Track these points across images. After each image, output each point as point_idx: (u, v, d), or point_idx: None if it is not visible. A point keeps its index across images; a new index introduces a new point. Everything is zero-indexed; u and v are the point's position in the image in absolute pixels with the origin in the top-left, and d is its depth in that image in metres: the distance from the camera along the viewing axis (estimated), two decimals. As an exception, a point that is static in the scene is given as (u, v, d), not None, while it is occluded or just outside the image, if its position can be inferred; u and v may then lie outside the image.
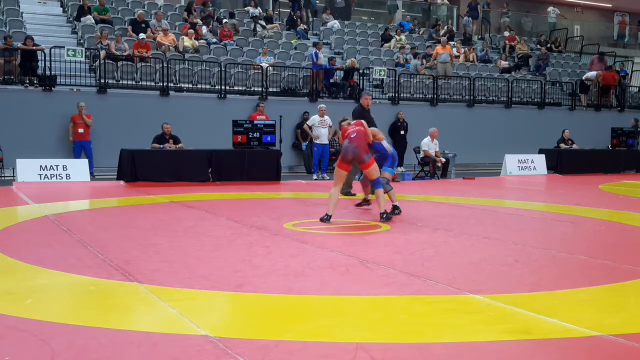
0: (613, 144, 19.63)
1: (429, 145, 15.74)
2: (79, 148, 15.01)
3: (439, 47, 21.64)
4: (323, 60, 18.90)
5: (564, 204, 11.04)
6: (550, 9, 28.71)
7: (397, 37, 22.97)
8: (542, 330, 3.99)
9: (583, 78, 23.14)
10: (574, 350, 3.71)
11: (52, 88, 15.48)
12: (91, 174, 14.66)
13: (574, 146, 19.02)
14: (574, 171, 17.86)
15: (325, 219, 8.28)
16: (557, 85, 23.48)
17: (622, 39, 30.36)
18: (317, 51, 18.71)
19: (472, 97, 20.83)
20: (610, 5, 31.90)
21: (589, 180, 16.07)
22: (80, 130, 14.94)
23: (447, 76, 20.79)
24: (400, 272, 5.50)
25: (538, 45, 25.74)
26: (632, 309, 4.60)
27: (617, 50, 28.37)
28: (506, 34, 26.03)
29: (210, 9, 20.99)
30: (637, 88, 25.13)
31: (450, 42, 23.73)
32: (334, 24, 23.13)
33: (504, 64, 23.50)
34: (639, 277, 5.47)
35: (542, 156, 18.15)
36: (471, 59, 23.30)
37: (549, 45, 26.07)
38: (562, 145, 18.89)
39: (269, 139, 14.53)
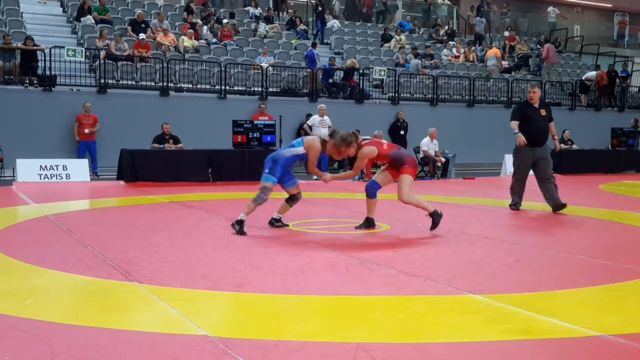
0: (613, 144, 19.63)
1: (429, 146, 15.74)
2: (84, 148, 15.04)
3: (490, 51, 22.23)
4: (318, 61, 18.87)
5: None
6: (550, 9, 28.72)
7: (397, 37, 22.99)
8: (542, 330, 3.99)
9: (583, 78, 23.15)
10: (574, 350, 3.71)
11: (52, 88, 15.50)
12: (95, 173, 14.68)
13: (574, 146, 19.01)
14: (574, 171, 17.84)
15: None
16: (557, 85, 23.48)
17: (622, 39, 30.34)
18: (315, 51, 18.68)
19: (472, 97, 20.83)
20: (610, 5, 31.90)
21: (589, 180, 16.06)
22: (86, 131, 14.98)
23: (492, 78, 21.43)
24: (400, 272, 5.50)
25: (538, 45, 25.73)
26: (632, 309, 4.60)
27: (617, 50, 28.39)
28: (506, 34, 26.04)
29: (211, 8, 21.01)
30: (637, 88, 25.13)
31: (450, 42, 23.80)
32: (334, 23, 23.15)
33: (504, 64, 23.51)
34: (639, 277, 5.47)
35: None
36: (471, 59, 23.30)
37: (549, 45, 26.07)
38: (562, 146, 18.86)
39: (269, 139, 14.53)
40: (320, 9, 22.35)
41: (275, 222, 7.88)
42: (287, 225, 7.90)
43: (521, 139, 9.74)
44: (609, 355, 3.61)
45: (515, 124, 9.80)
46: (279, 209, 7.91)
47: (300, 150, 7.49)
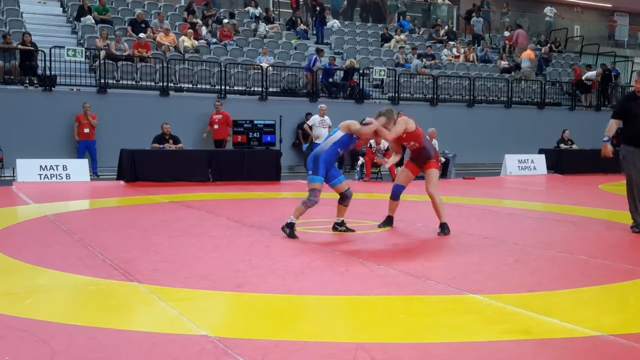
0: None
1: (429, 145, 15.71)
2: (84, 148, 15.04)
3: (525, 53, 22.35)
4: (319, 65, 18.74)
5: (564, 204, 11.03)
6: (547, 9, 28.69)
7: (397, 37, 22.99)
8: (542, 330, 3.99)
9: (583, 78, 23.14)
10: (574, 350, 3.71)
11: (52, 88, 15.49)
12: (95, 174, 14.69)
13: (574, 146, 19.03)
14: (574, 171, 17.87)
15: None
16: (557, 85, 23.48)
17: (612, 39, 30.12)
18: (317, 57, 18.60)
19: (472, 97, 20.83)
20: (610, 5, 31.88)
21: (589, 180, 16.06)
22: (86, 130, 14.98)
23: (527, 79, 21.94)
24: (400, 272, 5.50)
25: (538, 45, 25.73)
26: (632, 309, 4.60)
27: (617, 50, 28.36)
28: (506, 33, 26.02)
29: (214, 9, 21.03)
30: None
31: (450, 42, 23.79)
32: (334, 23, 23.15)
33: (504, 64, 23.51)
34: (638, 277, 5.47)
35: (542, 156, 18.16)
36: (471, 59, 23.30)
37: (549, 45, 26.07)
38: (562, 146, 18.90)
39: (269, 139, 14.55)
40: (318, 9, 22.26)
41: (338, 227, 7.58)
42: (354, 231, 7.58)
43: (607, 150, 8.17)
44: (609, 356, 3.62)
45: (613, 125, 8.14)
46: (337, 213, 7.61)
47: (338, 134, 7.27)
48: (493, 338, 3.87)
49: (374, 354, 3.53)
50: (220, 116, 15.81)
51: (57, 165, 13.49)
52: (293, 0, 22.77)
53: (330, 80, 18.94)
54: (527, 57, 22.82)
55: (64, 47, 15.79)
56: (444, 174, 16.24)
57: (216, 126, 15.76)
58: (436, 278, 5.28)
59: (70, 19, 18.93)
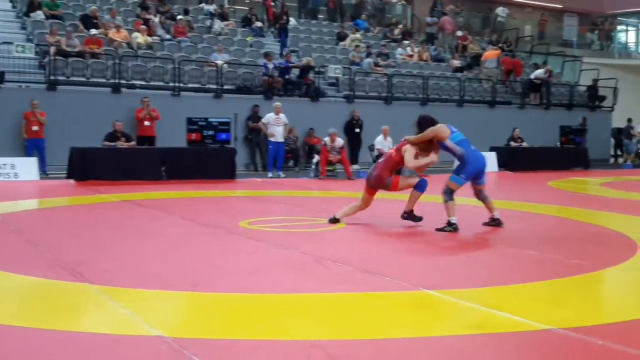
0: (562, 141, 20.13)
1: (382, 143, 15.84)
2: (32, 146, 14.64)
3: (487, 53, 22.41)
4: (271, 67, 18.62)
5: (513, 200, 11.24)
6: (499, 9, 29.17)
7: (353, 36, 23.07)
8: (495, 325, 4.06)
9: (532, 77, 23.64)
10: (526, 343, 3.78)
11: (1, 85, 15.06)
12: (44, 172, 14.33)
13: (524, 144, 19.43)
14: (524, 168, 18.25)
15: (332, 219, 8.13)
16: (508, 84, 23.92)
17: (542, 37, 30.58)
18: (267, 62, 18.50)
19: (425, 96, 21.06)
20: (560, 6, 32.58)
21: (538, 177, 16.43)
22: (35, 128, 14.55)
23: (490, 79, 22.14)
24: (356, 269, 5.53)
25: (490, 45, 26.14)
26: (581, 303, 4.72)
27: (567, 50, 29.04)
28: (459, 33, 26.35)
29: (167, 6, 20.72)
30: (585, 87, 25.77)
31: (405, 41, 23.99)
32: (290, 21, 23.06)
33: (456, 63, 23.83)
34: (587, 271, 5.61)
35: (493, 154, 18.48)
36: (425, 58, 23.54)
37: (500, 45, 26.51)
38: (512, 144, 19.29)
39: (223, 136, 14.44)
40: (285, 18, 21.91)
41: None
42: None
43: None
44: (560, 348, 3.70)
45: None
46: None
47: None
48: (447, 333, 3.92)
49: (330, 351, 3.53)
50: (153, 113, 15.53)
51: (4, 164, 13.14)
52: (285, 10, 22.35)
53: (287, 76, 18.87)
54: (494, 57, 23.17)
55: (12, 43, 15.37)
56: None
57: (147, 123, 15.40)
58: (391, 274, 5.32)
59: (20, 15, 18.44)
